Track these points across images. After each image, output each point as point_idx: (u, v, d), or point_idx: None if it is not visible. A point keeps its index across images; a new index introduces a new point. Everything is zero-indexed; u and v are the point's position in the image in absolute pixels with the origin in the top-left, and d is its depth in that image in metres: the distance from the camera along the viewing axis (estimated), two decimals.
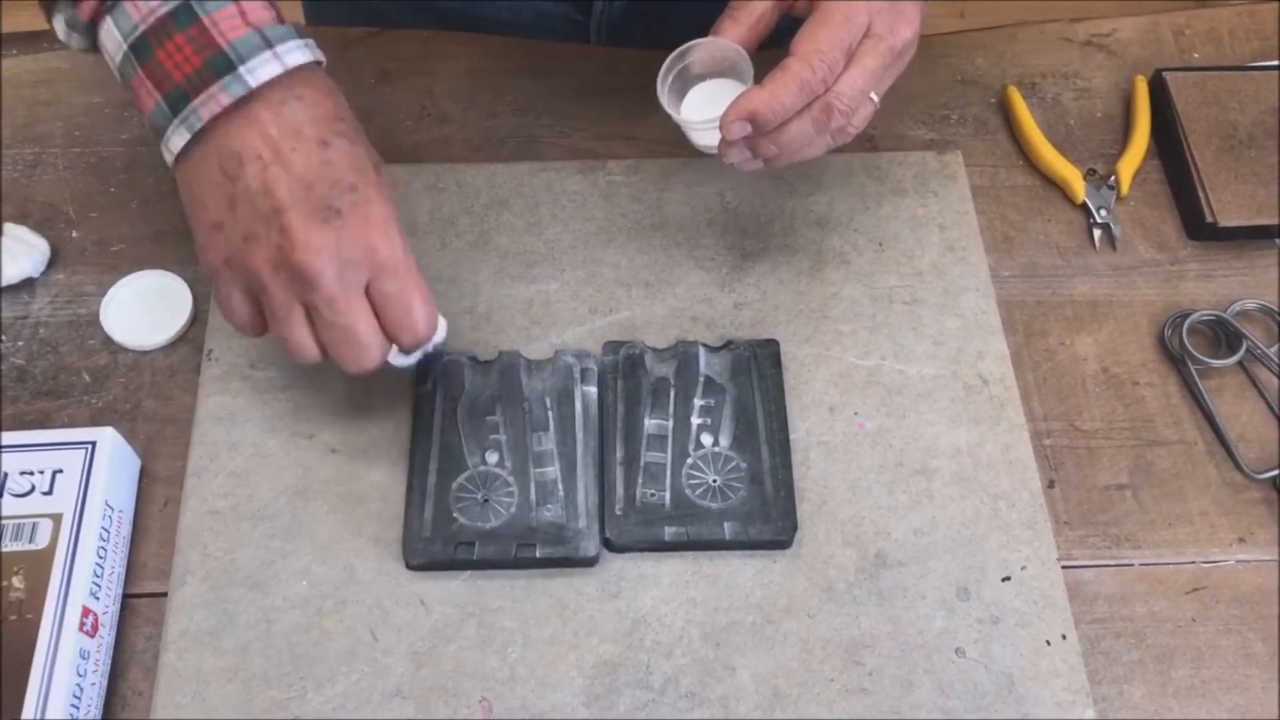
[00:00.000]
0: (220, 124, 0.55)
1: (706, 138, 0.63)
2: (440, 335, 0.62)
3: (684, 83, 0.65)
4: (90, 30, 0.57)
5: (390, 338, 0.59)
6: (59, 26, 0.58)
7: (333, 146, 0.56)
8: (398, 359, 0.61)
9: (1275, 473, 0.66)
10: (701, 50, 0.63)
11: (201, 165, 0.56)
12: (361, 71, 0.82)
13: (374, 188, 0.57)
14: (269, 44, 0.55)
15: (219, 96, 0.54)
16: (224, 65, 0.54)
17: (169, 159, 0.57)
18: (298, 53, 0.56)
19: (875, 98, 0.61)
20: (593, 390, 0.67)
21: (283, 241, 0.54)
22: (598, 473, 0.64)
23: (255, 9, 0.55)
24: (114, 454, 0.62)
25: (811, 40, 0.58)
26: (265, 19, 0.55)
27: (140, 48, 0.55)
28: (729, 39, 0.62)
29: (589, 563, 0.62)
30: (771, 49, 0.62)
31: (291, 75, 0.55)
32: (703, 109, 0.64)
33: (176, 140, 0.56)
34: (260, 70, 0.54)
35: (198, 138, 0.55)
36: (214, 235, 0.57)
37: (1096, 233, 0.76)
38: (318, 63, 0.57)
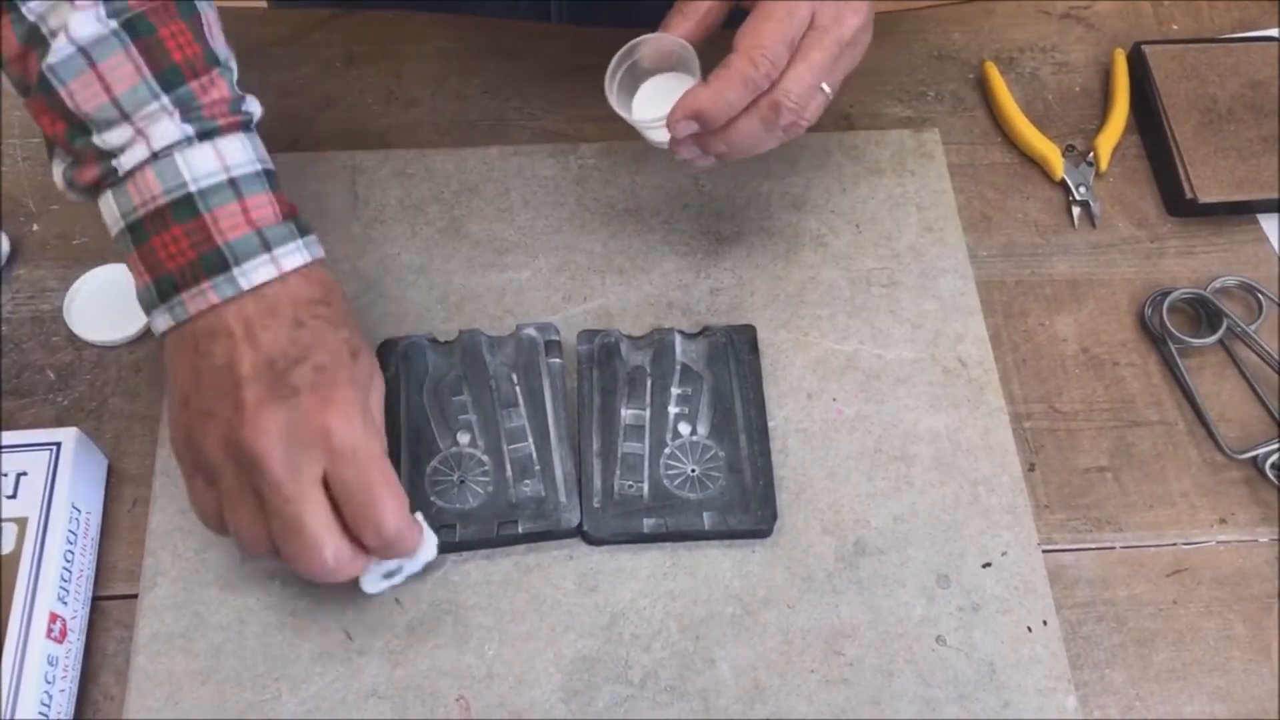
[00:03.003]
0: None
1: (659, 134, 0.63)
2: (428, 554, 0.58)
3: (634, 78, 0.64)
4: (89, 194, 0.56)
5: (353, 537, 0.54)
6: (56, 175, 0.56)
7: (307, 326, 0.54)
8: (373, 583, 0.57)
9: (1256, 452, 0.66)
10: (649, 46, 0.63)
11: (179, 342, 0.55)
12: (327, 54, 0.80)
13: (344, 370, 0.54)
14: (267, 247, 0.54)
15: (209, 294, 0.53)
16: (218, 265, 0.53)
17: (155, 333, 0.56)
18: (295, 256, 0.55)
19: (827, 89, 0.60)
20: (558, 361, 0.66)
21: (234, 418, 0.52)
22: (572, 444, 0.64)
23: (258, 205, 0.54)
24: (79, 455, 0.61)
25: (753, 36, 0.57)
26: (267, 217, 0.54)
27: (136, 230, 0.54)
28: (677, 34, 0.61)
29: (571, 534, 0.62)
30: (730, 28, 0.61)
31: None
32: (653, 105, 0.63)
33: (161, 322, 0.55)
34: (255, 274, 0.53)
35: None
36: (180, 412, 0.55)
37: (1076, 210, 0.75)
38: (317, 260, 0.56)
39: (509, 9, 0.84)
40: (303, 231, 0.56)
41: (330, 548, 0.53)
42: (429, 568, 0.60)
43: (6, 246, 0.71)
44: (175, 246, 0.53)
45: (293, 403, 0.52)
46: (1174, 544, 0.64)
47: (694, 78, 0.62)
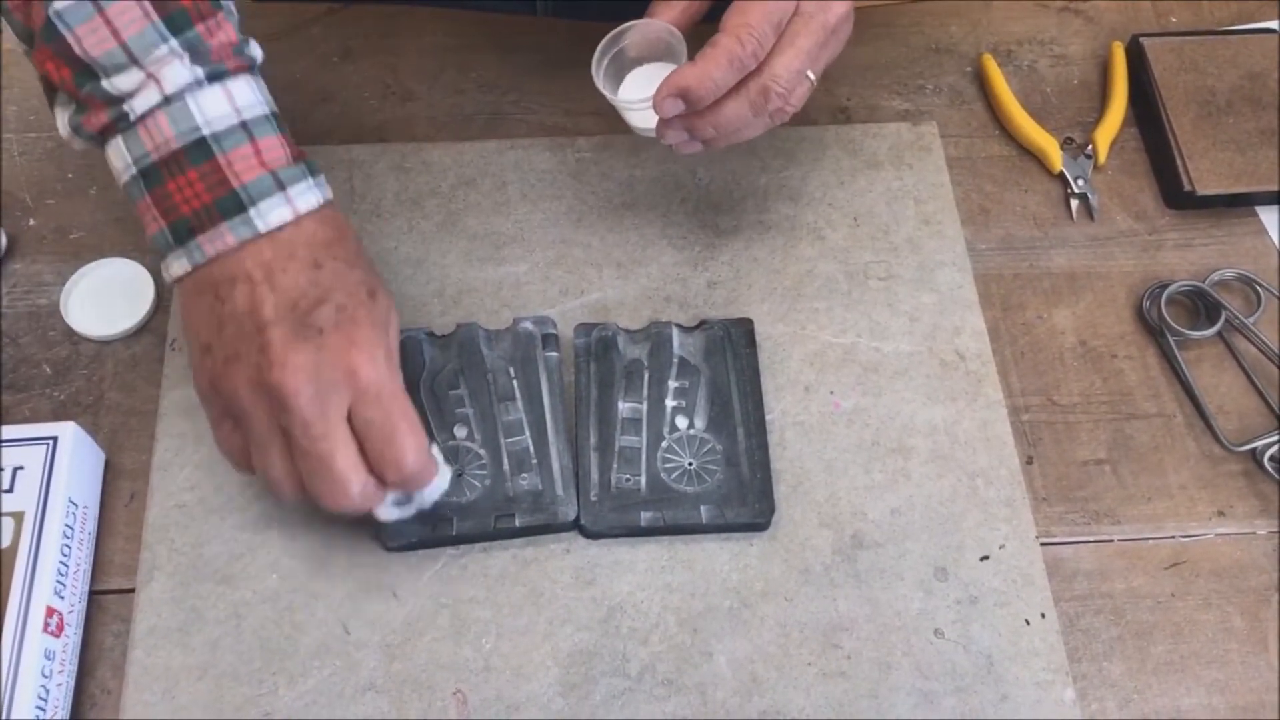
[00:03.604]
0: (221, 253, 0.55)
1: (643, 119, 0.63)
2: (441, 486, 0.59)
3: (620, 66, 0.64)
4: (96, 140, 0.55)
5: (375, 473, 0.55)
6: (60, 125, 0.56)
7: (325, 268, 0.55)
8: (386, 511, 0.57)
9: (1254, 445, 0.66)
10: (636, 33, 0.63)
11: (196, 289, 0.55)
12: (324, 49, 0.80)
13: (363, 309, 0.55)
14: (281, 187, 0.54)
15: (226, 236, 0.53)
16: (234, 206, 0.53)
17: (167, 279, 0.56)
18: (309, 195, 0.55)
19: (812, 76, 0.60)
20: (555, 355, 0.66)
21: (261, 360, 0.53)
22: (570, 438, 0.64)
23: (270, 147, 0.54)
24: (76, 449, 0.61)
25: (740, 15, 0.57)
26: (279, 159, 0.55)
27: (150, 174, 0.54)
28: (663, 20, 0.61)
29: (568, 528, 0.62)
30: (712, 21, 0.61)
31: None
32: (640, 90, 0.63)
33: (177, 267, 0.55)
34: (271, 215, 0.54)
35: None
36: (203, 359, 0.55)
37: (1074, 203, 0.75)
38: (329, 201, 0.57)
39: (497, 4, 0.83)
40: (313, 172, 0.56)
41: (357, 484, 0.54)
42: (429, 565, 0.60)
43: (3, 241, 0.71)
44: (191, 190, 0.53)
45: (318, 342, 0.53)
46: (1172, 537, 0.64)
47: (679, 65, 0.61)
